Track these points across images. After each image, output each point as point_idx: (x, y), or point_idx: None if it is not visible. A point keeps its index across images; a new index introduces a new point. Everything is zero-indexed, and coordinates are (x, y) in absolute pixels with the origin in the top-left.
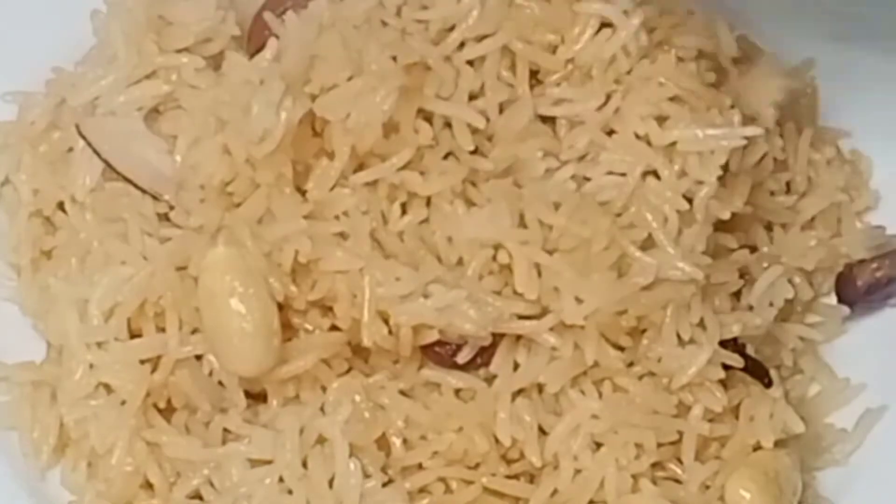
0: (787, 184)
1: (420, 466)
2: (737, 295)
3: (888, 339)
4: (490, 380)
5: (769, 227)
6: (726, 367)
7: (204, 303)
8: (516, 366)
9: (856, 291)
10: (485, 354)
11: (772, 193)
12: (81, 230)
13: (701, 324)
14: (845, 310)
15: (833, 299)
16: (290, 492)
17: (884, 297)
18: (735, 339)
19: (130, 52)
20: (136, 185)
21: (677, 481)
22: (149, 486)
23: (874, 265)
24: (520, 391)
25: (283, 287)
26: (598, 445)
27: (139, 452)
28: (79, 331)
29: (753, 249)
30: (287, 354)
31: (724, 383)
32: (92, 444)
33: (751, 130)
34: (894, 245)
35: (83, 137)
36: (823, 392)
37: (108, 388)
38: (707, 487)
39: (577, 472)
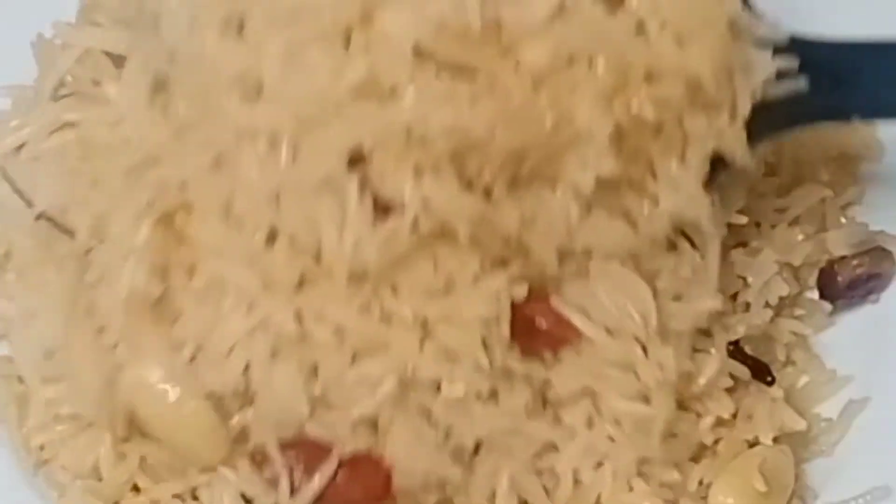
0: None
1: None
2: (733, 296)
3: (871, 332)
4: None
5: (757, 224)
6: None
7: (143, 416)
8: None
9: (837, 287)
10: None
11: (761, 195)
12: None
13: (707, 332)
14: (828, 305)
15: (817, 293)
16: None
17: (864, 293)
18: (737, 341)
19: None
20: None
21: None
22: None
23: (855, 262)
24: None
25: None
26: None
27: (120, 465)
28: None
29: (745, 247)
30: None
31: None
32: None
33: None
34: (876, 242)
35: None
36: (811, 383)
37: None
38: (701, 484)
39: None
